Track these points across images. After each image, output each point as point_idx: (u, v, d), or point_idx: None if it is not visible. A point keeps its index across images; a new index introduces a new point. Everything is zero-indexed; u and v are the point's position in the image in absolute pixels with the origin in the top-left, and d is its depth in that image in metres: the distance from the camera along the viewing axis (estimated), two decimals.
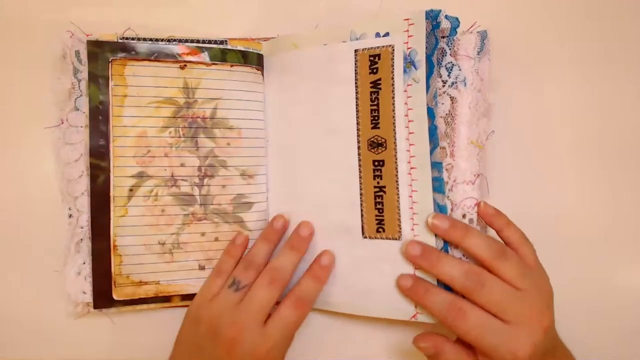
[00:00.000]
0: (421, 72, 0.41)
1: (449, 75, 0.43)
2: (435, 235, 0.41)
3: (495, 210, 0.42)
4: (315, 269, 0.43)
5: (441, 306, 0.38)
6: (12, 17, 0.48)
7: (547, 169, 0.47)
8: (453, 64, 0.43)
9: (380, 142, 0.43)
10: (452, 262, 0.39)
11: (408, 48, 0.42)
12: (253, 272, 0.42)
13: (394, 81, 0.42)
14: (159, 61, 0.44)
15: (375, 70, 0.43)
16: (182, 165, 0.45)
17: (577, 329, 0.42)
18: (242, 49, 0.46)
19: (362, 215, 0.44)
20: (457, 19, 0.43)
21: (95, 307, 0.44)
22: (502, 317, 0.37)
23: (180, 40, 0.45)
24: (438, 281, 0.41)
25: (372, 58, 0.43)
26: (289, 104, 0.47)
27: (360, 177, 0.44)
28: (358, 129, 0.44)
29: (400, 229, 0.42)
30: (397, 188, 0.42)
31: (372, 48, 0.43)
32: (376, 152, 0.43)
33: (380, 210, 0.43)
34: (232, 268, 0.44)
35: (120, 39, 0.44)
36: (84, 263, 0.44)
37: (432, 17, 0.41)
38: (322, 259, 0.43)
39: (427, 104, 0.41)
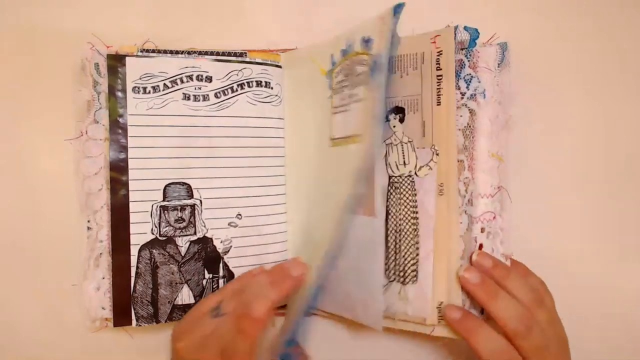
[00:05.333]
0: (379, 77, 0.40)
1: (467, 87, 0.43)
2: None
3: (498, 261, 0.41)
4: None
5: (492, 351, 0.38)
6: (33, 29, 0.47)
7: (568, 181, 0.48)
8: (472, 76, 0.43)
9: None
10: (508, 301, 0.39)
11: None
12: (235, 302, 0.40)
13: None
14: None
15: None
16: None
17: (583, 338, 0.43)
18: (261, 60, 0.46)
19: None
20: (476, 30, 0.42)
21: (115, 324, 0.44)
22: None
23: (200, 53, 0.45)
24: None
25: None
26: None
27: None
28: None
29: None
30: None
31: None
32: None
33: None
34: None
35: (140, 51, 0.44)
36: (104, 278, 0.44)
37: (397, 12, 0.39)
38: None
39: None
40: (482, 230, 0.43)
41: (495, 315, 0.38)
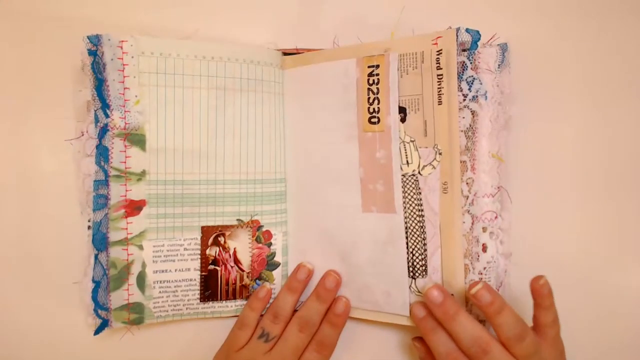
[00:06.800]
0: None
1: (469, 89, 0.43)
2: None
3: (548, 289, 0.40)
4: (332, 317, 0.44)
5: (441, 351, 0.40)
6: (33, 29, 0.47)
7: (568, 181, 0.47)
8: (474, 78, 0.43)
9: None
10: (465, 323, 0.39)
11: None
12: (281, 323, 0.44)
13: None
14: None
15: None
16: None
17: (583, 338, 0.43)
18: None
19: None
20: (478, 32, 0.42)
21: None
22: None
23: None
24: None
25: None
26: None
27: None
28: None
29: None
30: None
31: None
32: None
33: None
34: (256, 320, 0.45)
35: None
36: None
37: None
38: (337, 307, 0.44)
39: None
40: (484, 229, 0.43)
41: (450, 334, 0.40)
